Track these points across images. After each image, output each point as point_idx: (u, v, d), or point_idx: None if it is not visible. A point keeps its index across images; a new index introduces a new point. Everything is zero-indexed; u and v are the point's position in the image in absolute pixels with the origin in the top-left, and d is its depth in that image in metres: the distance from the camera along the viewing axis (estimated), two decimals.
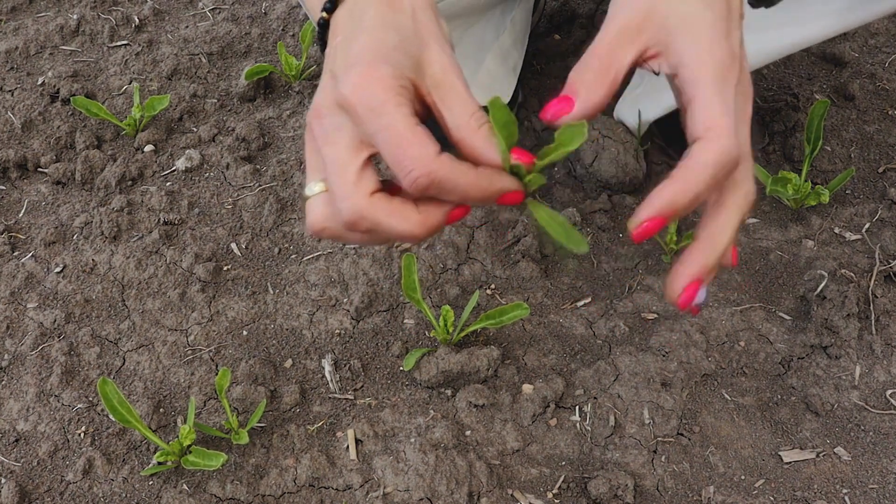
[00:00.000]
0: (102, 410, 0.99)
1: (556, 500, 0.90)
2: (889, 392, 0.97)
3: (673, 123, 1.21)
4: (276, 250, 1.17)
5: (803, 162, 1.17)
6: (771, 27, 0.96)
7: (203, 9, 1.62)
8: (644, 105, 1.19)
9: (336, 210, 0.56)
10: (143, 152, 1.33)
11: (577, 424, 0.96)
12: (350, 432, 0.96)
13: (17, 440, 0.98)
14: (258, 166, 1.29)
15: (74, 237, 1.20)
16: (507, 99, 1.26)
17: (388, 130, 0.53)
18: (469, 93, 0.58)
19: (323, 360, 1.03)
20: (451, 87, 0.57)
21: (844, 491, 0.90)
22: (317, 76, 1.45)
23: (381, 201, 0.55)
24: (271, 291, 1.12)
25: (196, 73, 1.48)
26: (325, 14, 0.62)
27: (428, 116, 0.59)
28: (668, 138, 1.28)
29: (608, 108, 1.36)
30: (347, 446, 0.94)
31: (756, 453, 0.93)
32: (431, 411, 0.98)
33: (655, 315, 1.07)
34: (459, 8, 1.13)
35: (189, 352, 1.05)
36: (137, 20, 1.59)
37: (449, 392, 1.00)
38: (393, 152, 0.54)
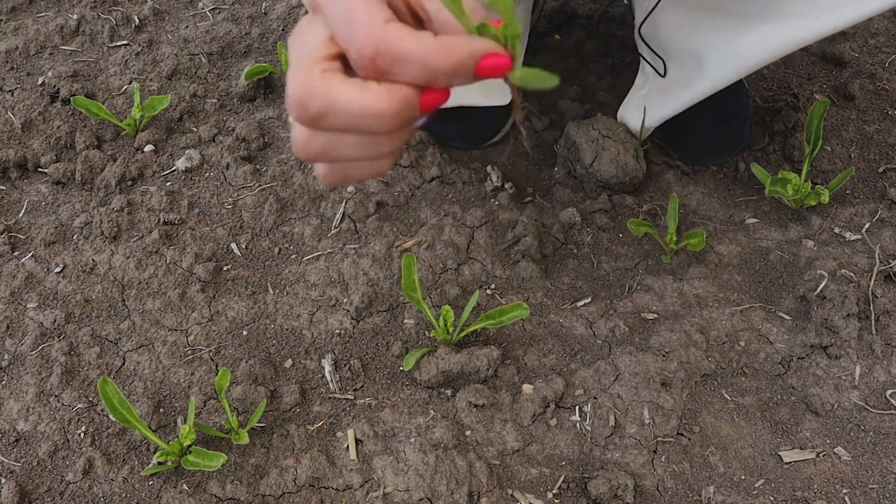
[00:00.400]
0: (102, 410, 0.99)
1: (556, 500, 0.90)
2: (889, 392, 0.97)
3: (673, 124, 1.21)
4: (276, 250, 1.17)
5: (803, 162, 1.17)
6: (780, 19, 0.95)
7: (203, 9, 1.62)
8: (648, 111, 1.18)
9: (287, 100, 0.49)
10: (143, 152, 1.33)
11: (577, 424, 0.96)
12: (350, 432, 0.96)
13: (17, 440, 0.98)
14: (258, 166, 1.29)
15: (74, 237, 1.20)
16: (507, 99, 1.26)
17: (339, 6, 0.47)
18: None
19: (323, 360, 1.03)
20: None
21: (844, 491, 0.90)
22: None
23: (335, 75, 0.48)
24: (271, 291, 1.12)
25: (196, 73, 1.48)
26: None
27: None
28: (668, 138, 1.28)
29: (614, 113, 1.36)
30: (347, 446, 0.94)
31: (756, 453, 0.93)
32: (431, 411, 0.98)
33: (655, 315, 1.07)
34: None
35: (189, 352, 1.05)
36: (137, 20, 1.59)
37: (449, 392, 1.00)
38: (341, 27, 0.47)
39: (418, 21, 0.52)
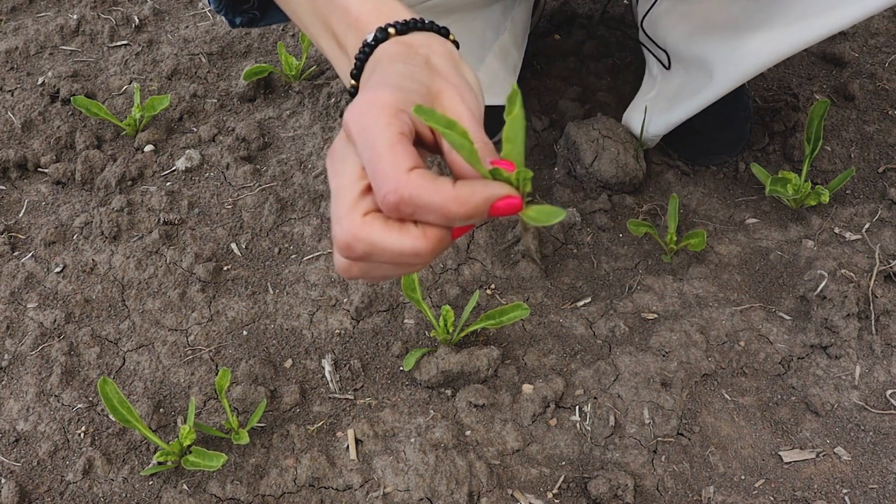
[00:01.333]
0: (102, 410, 0.99)
1: (556, 500, 0.90)
2: (889, 392, 0.97)
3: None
4: (276, 250, 1.17)
5: (803, 162, 1.17)
6: (784, 23, 0.96)
7: (203, 9, 1.62)
8: (654, 118, 1.18)
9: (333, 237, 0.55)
10: (143, 152, 1.33)
11: (577, 424, 0.96)
12: (350, 432, 0.96)
13: (17, 440, 0.98)
14: (258, 166, 1.29)
15: (74, 237, 1.20)
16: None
17: (369, 148, 0.52)
18: (475, 122, 0.56)
19: (323, 360, 1.03)
20: (456, 115, 0.56)
21: (844, 491, 0.90)
22: (317, 76, 1.45)
23: (375, 220, 0.52)
24: (271, 291, 1.12)
25: (196, 73, 1.48)
26: (353, 81, 0.63)
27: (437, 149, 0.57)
28: (668, 138, 1.28)
29: (614, 113, 1.36)
30: (347, 446, 0.94)
31: (756, 453, 0.93)
32: (431, 411, 0.98)
33: (655, 315, 1.07)
34: (456, 3, 1.13)
35: (189, 352, 1.05)
36: (137, 20, 1.59)
37: (449, 392, 1.00)
38: (370, 170, 0.52)
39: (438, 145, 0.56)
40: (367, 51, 0.61)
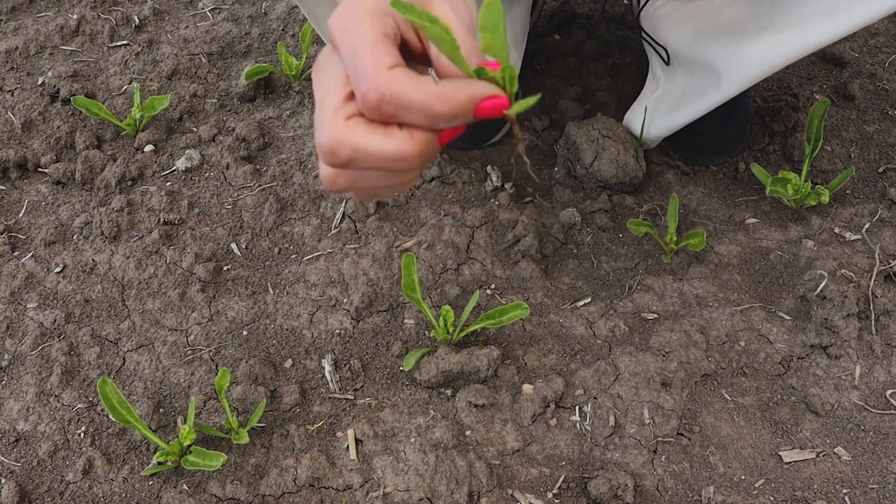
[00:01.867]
0: (102, 410, 0.99)
1: (556, 500, 0.90)
2: (889, 392, 0.97)
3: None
4: (276, 250, 1.17)
5: (803, 162, 1.17)
6: (795, 26, 0.95)
7: (203, 9, 1.62)
8: (656, 120, 1.18)
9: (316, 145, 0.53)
10: (143, 152, 1.33)
11: (577, 424, 0.96)
12: (350, 432, 0.96)
13: (17, 440, 0.98)
14: (258, 166, 1.29)
15: (74, 237, 1.20)
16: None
17: (351, 48, 0.50)
18: (463, 28, 0.53)
19: (323, 360, 1.03)
20: (444, 20, 0.52)
21: (844, 491, 0.90)
22: None
23: (359, 123, 0.50)
24: (271, 291, 1.12)
25: (196, 73, 1.48)
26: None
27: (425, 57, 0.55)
28: (668, 138, 1.28)
29: (614, 113, 1.35)
30: (347, 446, 0.94)
31: (756, 453, 0.93)
32: (431, 411, 0.98)
33: (655, 315, 1.07)
34: None
35: (189, 352, 1.05)
36: (137, 20, 1.59)
37: (449, 392, 1.00)
38: (351, 71, 0.50)
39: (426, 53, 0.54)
40: None
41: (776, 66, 0.98)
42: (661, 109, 1.19)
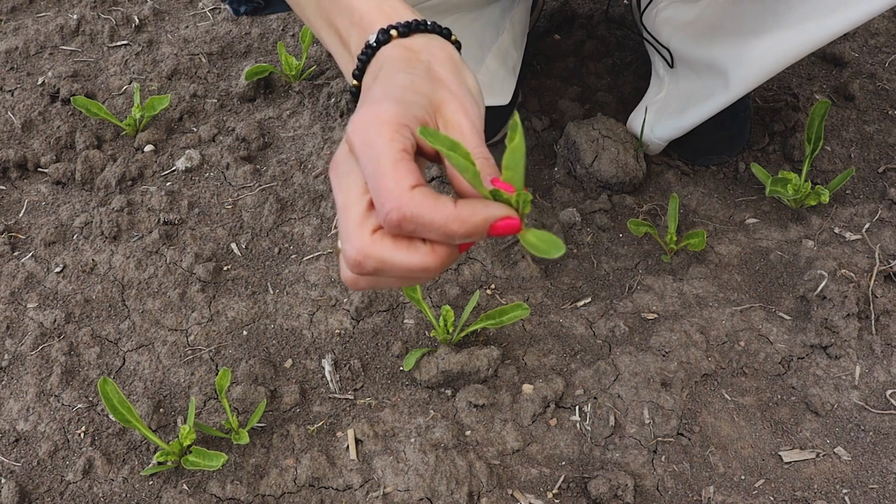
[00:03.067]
0: (102, 410, 0.99)
1: (556, 500, 0.90)
2: (889, 392, 0.97)
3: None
4: (276, 250, 1.17)
5: (803, 162, 1.17)
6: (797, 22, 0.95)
7: (203, 9, 1.62)
8: (663, 122, 1.18)
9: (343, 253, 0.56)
10: (143, 152, 1.33)
11: (577, 424, 0.96)
12: (350, 432, 0.96)
13: (17, 440, 0.98)
14: (258, 166, 1.29)
15: (74, 237, 1.20)
16: (507, 99, 1.26)
17: (372, 163, 0.53)
18: (476, 135, 0.57)
19: (323, 360, 1.03)
20: (457, 127, 0.56)
21: (844, 491, 0.90)
22: (317, 76, 1.45)
23: (384, 238, 0.53)
24: (271, 291, 1.12)
25: (196, 73, 1.48)
26: (354, 81, 0.63)
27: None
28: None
29: (614, 113, 1.35)
30: (347, 446, 0.94)
31: (756, 453, 0.93)
32: (431, 411, 0.98)
33: (655, 315, 1.07)
34: (455, 3, 1.13)
35: (189, 352, 1.05)
36: (137, 20, 1.59)
37: (449, 392, 1.00)
38: (372, 186, 0.53)
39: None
40: (369, 52, 0.62)
41: (784, 63, 0.98)
42: (667, 111, 1.19)
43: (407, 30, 0.61)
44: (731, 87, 1.05)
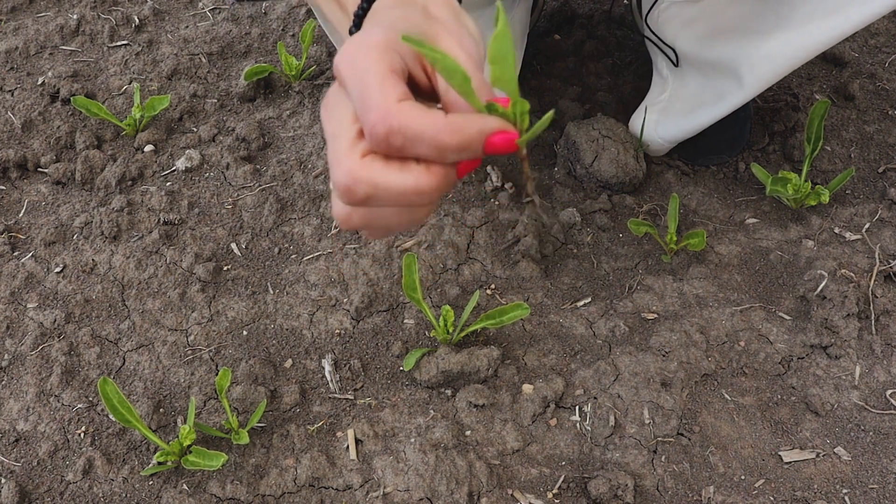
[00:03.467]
0: (102, 410, 0.99)
1: (556, 500, 0.90)
2: (889, 392, 0.97)
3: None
4: (276, 250, 1.17)
5: (803, 162, 1.17)
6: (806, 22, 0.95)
7: (203, 9, 1.62)
8: (668, 122, 1.18)
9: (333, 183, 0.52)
10: (143, 152, 1.33)
11: (577, 424, 0.96)
12: (350, 432, 0.96)
13: (17, 440, 0.98)
14: (258, 166, 1.29)
15: (74, 237, 1.20)
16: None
17: (359, 83, 0.50)
18: (473, 65, 0.53)
19: (323, 360, 1.03)
20: (452, 55, 0.53)
21: (844, 491, 0.90)
22: (317, 76, 1.45)
23: (375, 160, 0.50)
24: (271, 291, 1.12)
25: (196, 73, 1.48)
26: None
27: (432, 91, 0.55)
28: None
29: (614, 113, 1.35)
30: (347, 446, 0.94)
31: (756, 453, 0.93)
32: (431, 411, 0.98)
33: (655, 315, 1.07)
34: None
35: (189, 352, 1.05)
36: (137, 20, 1.59)
37: (449, 392, 1.00)
38: (358, 105, 0.50)
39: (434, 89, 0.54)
40: (364, 6, 0.60)
41: (794, 63, 0.97)
42: (671, 112, 1.18)
43: None
44: (746, 85, 1.04)
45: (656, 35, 1.20)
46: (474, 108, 0.50)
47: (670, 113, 1.18)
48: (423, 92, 0.55)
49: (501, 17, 0.47)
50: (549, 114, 0.48)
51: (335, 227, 1.18)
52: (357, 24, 0.60)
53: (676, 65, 1.18)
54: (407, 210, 0.53)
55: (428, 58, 0.47)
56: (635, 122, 1.22)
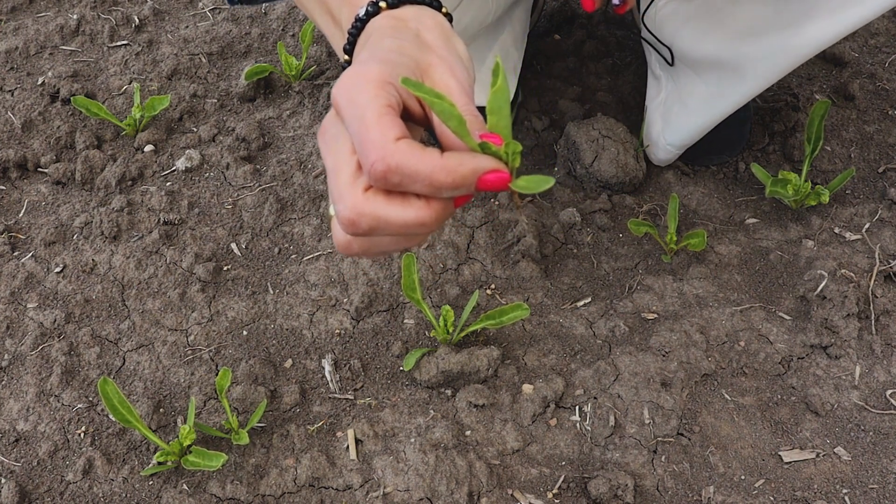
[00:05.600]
0: (102, 410, 0.99)
1: (556, 500, 0.90)
2: (889, 392, 0.97)
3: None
4: (276, 250, 1.17)
5: (803, 162, 1.17)
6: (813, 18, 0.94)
7: (203, 9, 1.62)
8: (671, 128, 1.17)
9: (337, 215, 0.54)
10: (143, 152, 1.33)
11: (577, 424, 0.96)
12: (350, 432, 0.96)
13: (17, 440, 0.98)
14: (258, 166, 1.29)
15: (74, 237, 1.20)
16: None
17: (356, 119, 0.52)
18: (465, 95, 0.55)
19: (323, 360, 1.03)
20: (445, 88, 0.55)
21: (844, 491, 0.90)
22: (317, 76, 1.45)
23: (377, 195, 0.52)
24: (271, 291, 1.12)
25: (196, 73, 1.48)
26: (346, 56, 0.63)
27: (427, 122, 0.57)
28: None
29: (614, 113, 1.35)
30: (347, 446, 0.94)
31: (756, 453, 0.93)
32: (431, 411, 0.98)
33: (655, 315, 1.07)
34: (474, 31, 1.14)
35: (189, 352, 1.05)
36: (137, 20, 1.59)
37: (449, 392, 1.00)
38: (357, 141, 0.52)
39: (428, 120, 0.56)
40: (358, 25, 0.61)
41: (799, 59, 0.97)
42: (673, 115, 1.17)
43: (397, 1, 0.61)
44: (747, 85, 1.04)
45: (653, 34, 1.20)
46: (468, 146, 0.52)
47: (670, 115, 1.18)
48: (418, 121, 0.57)
49: (500, 73, 0.50)
50: (551, 180, 0.51)
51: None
52: (351, 44, 0.62)
53: (671, 63, 1.18)
54: (405, 237, 0.56)
55: (426, 101, 0.50)
56: (648, 128, 1.22)
